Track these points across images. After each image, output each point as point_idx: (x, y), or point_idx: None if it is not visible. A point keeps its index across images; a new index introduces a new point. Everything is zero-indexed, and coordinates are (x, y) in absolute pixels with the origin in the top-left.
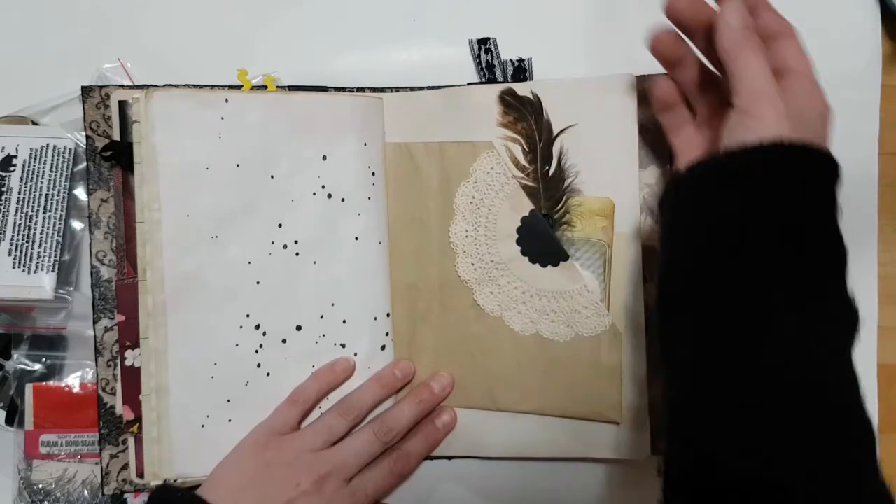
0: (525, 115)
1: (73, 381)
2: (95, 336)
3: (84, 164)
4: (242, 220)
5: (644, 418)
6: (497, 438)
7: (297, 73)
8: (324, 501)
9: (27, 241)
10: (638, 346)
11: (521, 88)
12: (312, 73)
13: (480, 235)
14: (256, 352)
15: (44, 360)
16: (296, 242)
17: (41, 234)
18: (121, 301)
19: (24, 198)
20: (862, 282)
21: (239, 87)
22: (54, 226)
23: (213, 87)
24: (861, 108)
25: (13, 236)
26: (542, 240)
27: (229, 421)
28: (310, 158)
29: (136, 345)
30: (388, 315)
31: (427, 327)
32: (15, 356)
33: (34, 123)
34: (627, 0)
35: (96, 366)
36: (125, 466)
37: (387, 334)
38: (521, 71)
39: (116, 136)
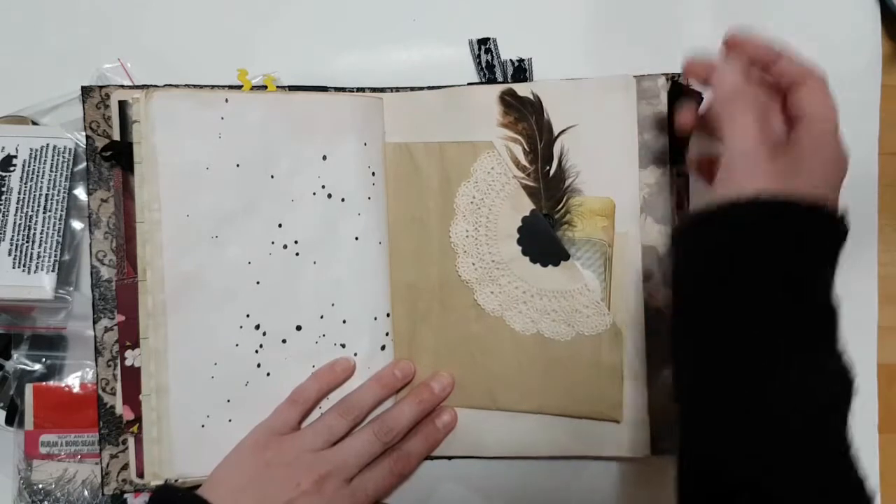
0: (525, 116)
1: (73, 381)
2: (95, 336)
3: (84, 164)
4: (242, 220)
5: (644, 417)
6: (497, 438)
7: (297, 73)
8: (324, 501)
9: (27, 241)
10: (638, 345)
11: (522, 89)
12: (312, 73)
13: (481, 235)
14: (256, 352)
15: (44, 360)
16: (296, 242)
17: (41, 234)
18: (121, 301)
19: (24, 198)
20: (862, 282)
21: (239, 87)
22: (54, 226)
23: (213, 87)
24: (861, 108)
25: (13, 236)
26: (542, 239)
27: (229, 421)
28: (310, 158)
29: (136, 345)
30: (388, 315)
31: (427, 327)
32: (15, 356)
33: (34, 123)
34: (627, 0)
35: (96, 366)
36: (125, 466)
37: (387, 334)
38: (521, 71)
39: (116, 136)
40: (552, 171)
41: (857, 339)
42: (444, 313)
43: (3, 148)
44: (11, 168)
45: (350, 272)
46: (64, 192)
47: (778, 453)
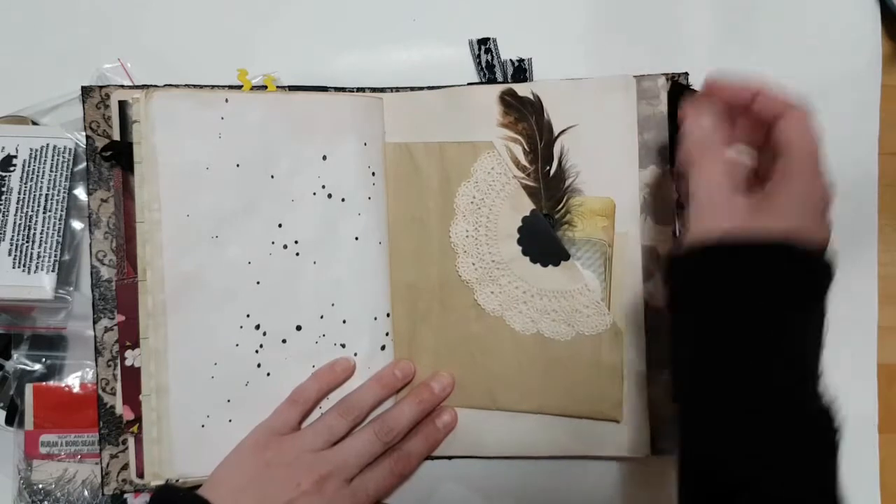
0: (525, 116)
1: (73, 381)
2: (95, 336)
3: (84, 164)
4: (242, 220)
5: (644, 417)
6: (497, 438)
7: (297, 73)
8: (324, 502)
9: (27, 241)
10: (638, 345)
11: (522, 89)
12: (312, 73)
13: (481, 235)
14: (256, 352)
15: (44, 360)
16: (296, 242)
17: (41, 234)
18: (121, 301)
19: (24, 198)
20: (862, 282)
21: (239, 87)
22: (54, 226)
23: (213, 87)
24: (861, 108)
25: (13, 236)
26: (542, 239)
27: (229, 421)
28: (310, 158)
29: (136, 345)
30: (388, 315)
31: (427, 327)
32: (15, 356)
33: (34, 123)
34: (627, 0)
35: (96, 366)
36: (125, 466)
37: (387, 334)
38: (521, 71)
39: (116, 136)
40: (552, 171)
41: (857, 339)
42: (444, 313)
43: (3, 148)
44: (11, 168)
45: (350, 272)
46: (64, 192)
47: (777, 453)
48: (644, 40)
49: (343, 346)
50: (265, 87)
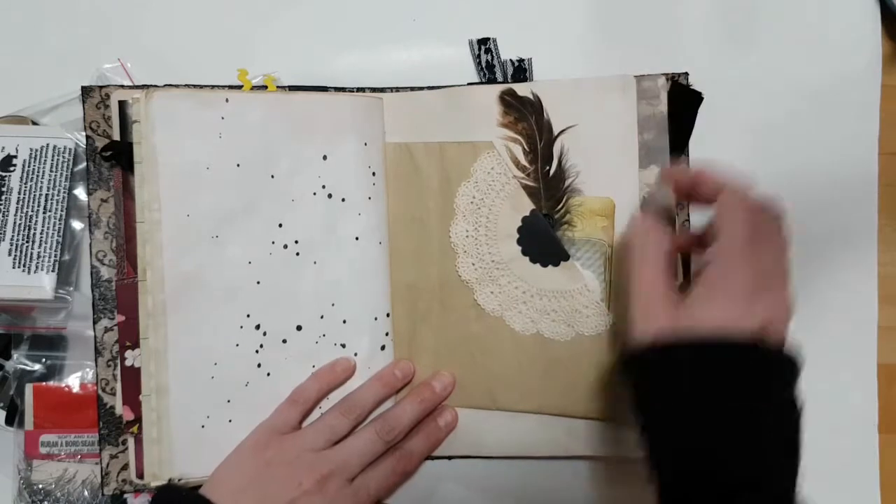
0: (525, 116)
1: (73, 381)
2: (95, 336)
3: (84, 164)
4: (242, 220)
5: None
6: (497, 438)
7: (297, 73)
8: (326, 501)
9: (27, 241)
10: None
11: (522, 89)
12: (312, 73)
13: (481, 235)
14: (257, 352)
15: (44, 360)
16: (296, 242)
17: (41, 234)
18: (121, 301)
19: (24, 198)
20: (862, 282)
21: (239, 87)
22: (54, 226)
23: (213, 87)
24: (861, 108)
25: (13, 236)
26: (542, 240)
27: (229, 421)
28: (310, 158)
29: (136, 345)
30: (388, 315)
31: (427, 327)
32: (15, 356)
33: (34, 123)
34: (627, 0)
35: (96, 366)
36: (125, 467)
37: (387, 334)
38: (521, 71)
39: (116, 136)
40: (552, 171)
41: (857, 339)
42: (444, 313)
43: (3, 148)
44: (11, 168)
45: (350, 272)
46: (64, 192)
47: None
48: (644, 40)
49: (343, 346)
50: (265, 87)
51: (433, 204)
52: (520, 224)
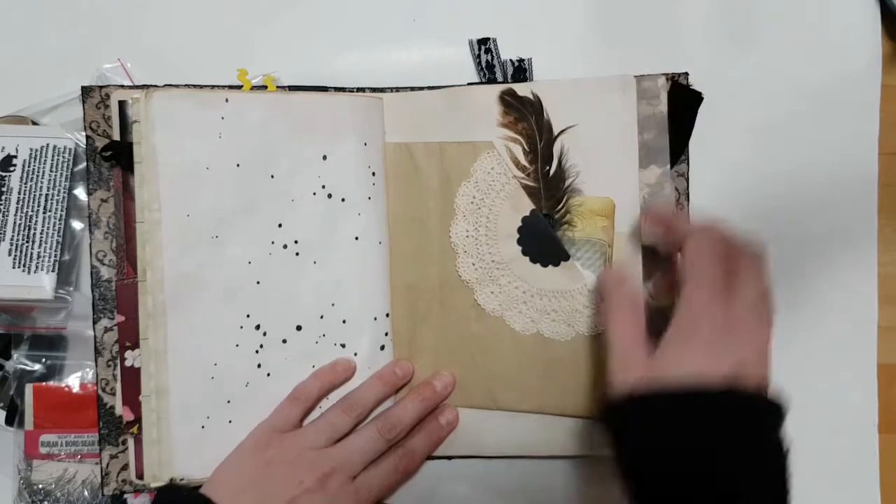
0: (525, 116)
1: (73, 381)
2: (95, 336)
3: (84, 164)
4: (242, 220)
5: None
6: (497, 438)
7: (297, 73)
8: (328, 499)
9: (27, 241)
10: None
11: (522, 89)
12: (312, 73)
13: (481, 235)
14: (257, 352)
15: (44, 360)
16: (296, 242)
17: (41, 234)
18: (121, 301)
19: (24, 198)
20: (862, 282)
21: (239, 87)
22: (54, 226)
23: (213, 87)
24: (861, 108)
25: (13, 236)
26: (542, 239)
27: (229, 422)
28: (310, 158)
29: (136, 345)
30: (387, 315)
31: (427, 327)
32: (15, 356)
33: (34, 123)
34: (627, 0)
35: (96, 366)
36: (125, 467)
37: (386, 334)
38: (521, 71)
39: (116, 136)
40: (552, 171)
41: (857, 339)
42: (444, 313)
43: (3, 148)
44: (11, 168)
45: (350, 272)
46: (64, 192)
47: None
48: (644, 40)
49: (343, 346)
50: (265, 87)
51: (433, 204)
52: (520, 224)
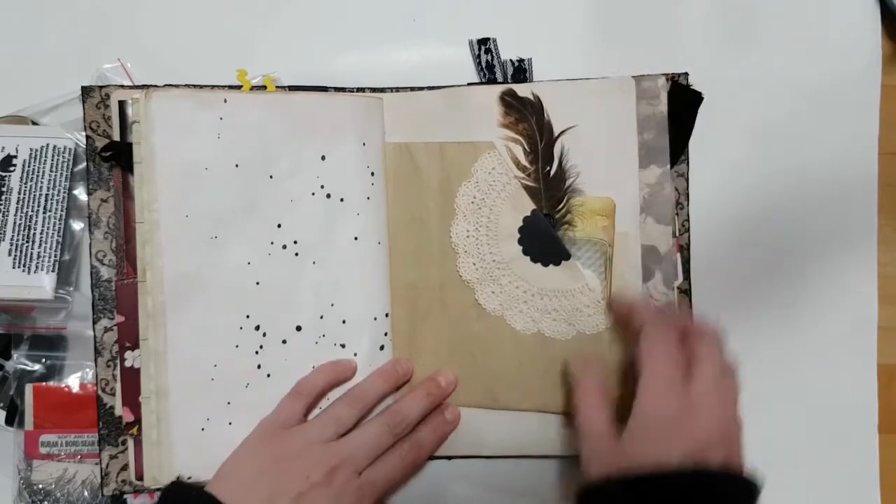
0: (526, 116)
1: (73, 381)
2: (95, 336)
3: (84, 164)
4: (242, 221)
5: None
6: (498, 437)
7: (297, 73)
8: (334, 493)
9: (27, 241)
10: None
11: (522, 89)
12: (312, 73)
13: (482, 235)
14: (256, 353)
15: (44, 360)
16: (295, 243)
17: (41, 234)
18: (120, 301)
19: (24, 198)
20: (862, 282)
21: (239, 87)
22: (54, 226)
23: (212, 87)
24: (861, 108)
25: (13, 236)
26: (543, 239)
27: (229, 424)
28: (309, 158)
29: (135, 345)
30: (387, 315)
31: (427, 327)
32: (15, 356)
33: (34, 123)
34: (627, 0)
35: (96, 366)
36: (125, 467)
37: (386, 334)
38: (521, 71)
39: (116, 136)
40: (553, 172)
41: (857, 339)
42: (445, 313)
43: (3, 148)
44: (11, 168)
45: (349, 272)
46: (64, 192)
47: None
48: (644, 40)
49: (343, 346)
50: (265, 87)
51: (433, 204)
52: (521, 224)
